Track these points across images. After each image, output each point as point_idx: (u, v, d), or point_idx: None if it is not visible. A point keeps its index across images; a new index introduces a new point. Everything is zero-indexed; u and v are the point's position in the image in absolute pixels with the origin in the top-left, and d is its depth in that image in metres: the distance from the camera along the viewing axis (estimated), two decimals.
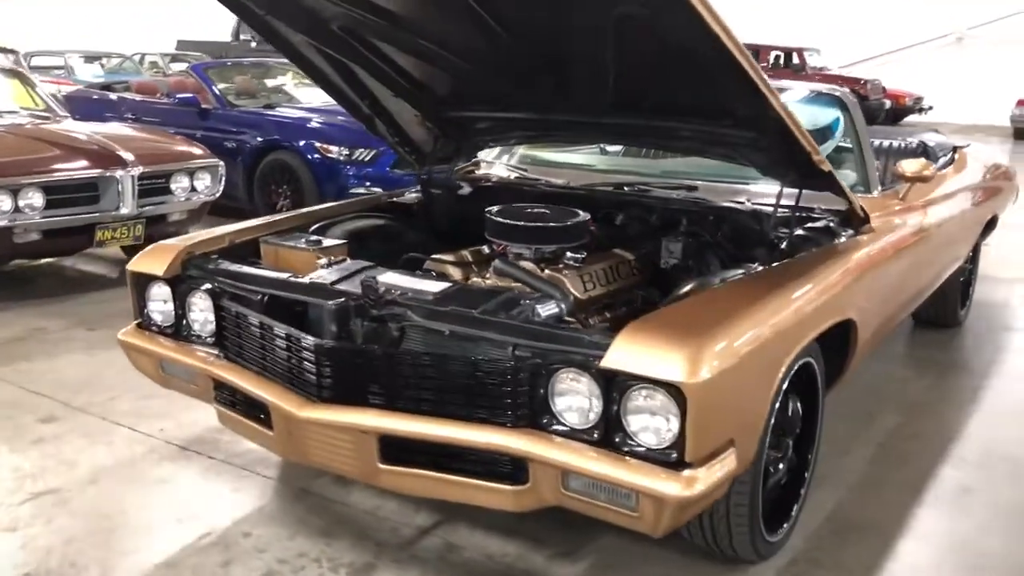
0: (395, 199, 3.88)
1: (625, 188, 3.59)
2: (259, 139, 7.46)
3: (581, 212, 3.13)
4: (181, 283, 2.96)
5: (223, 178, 5.91)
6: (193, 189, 5.71)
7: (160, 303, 3.03)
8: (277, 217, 3.51)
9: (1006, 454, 3.59)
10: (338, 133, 7.29)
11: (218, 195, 5.88)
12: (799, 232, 3.08)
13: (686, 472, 2.09)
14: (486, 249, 3.25)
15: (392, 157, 7.17)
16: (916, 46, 22.67)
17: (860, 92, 17.04)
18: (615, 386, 2.16)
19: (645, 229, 3.37)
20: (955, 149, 4.82)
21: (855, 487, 3.29)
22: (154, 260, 3.02)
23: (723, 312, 2.32)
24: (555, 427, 2.27)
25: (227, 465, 3.36)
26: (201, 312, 2.92)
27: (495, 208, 3.19)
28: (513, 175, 3.95)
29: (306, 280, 2.75)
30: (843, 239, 3.11)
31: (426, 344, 2.49)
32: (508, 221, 3.08)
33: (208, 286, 2.88)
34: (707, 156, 3.31)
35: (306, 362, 2.50)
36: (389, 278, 2.69)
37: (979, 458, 3.56)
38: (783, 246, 3.01)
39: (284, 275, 2.82)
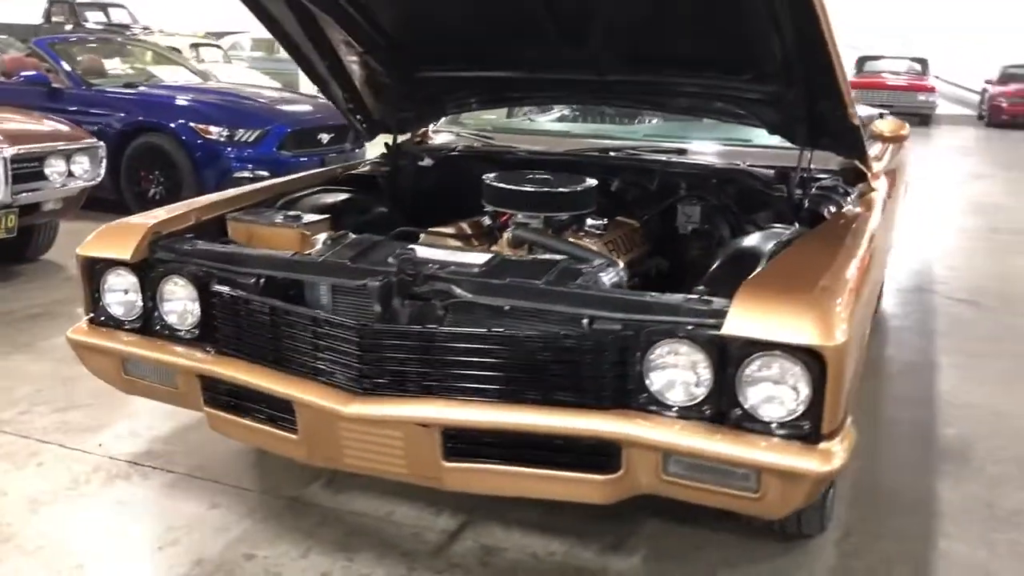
0: (353, 171, 3.50)
1: (611, 153, 3.37)
2: (125, 121, 6.73)
3: (588, 178, 2.90)
4: (150, 269, 2.51)
5: (104, 161, 5.25)
6: (70, 174, 5.04)
7: (120, 293, 2.56)
8: (232, 193, 3.07)
9: (990, 409, 3.63)
10: (216, 112, 6.73)
11: (99, 180, 5.22)
12: (815, 192, 2.96)
13: (822, 445, 1.90)
14: (487, 220, 2.96)
15: (278, 137, 6.70)
16: None
17: None
18: (729, 355, 1.94)
19: (645, 195, 3.16)
20: (881, 115, 4.89)
21: (864, 453, 3.21)
22: (114, 243, 2.54)
23: (819, 274, 2.13)
24: (652, 405, 2.02)
25: (192, 479, 2.91)
26: (179, 301, 2.48)
27: (493, 175, 2.91)
28: (477, 143, 3.65)
29: (319, 258, 2.38)
30: (852, 198, 3.01)
31: (474, 322, 2.18)
32: (515, 187, 2.81)
33: (192, 270, 2.45)
34: (712, 116, 3.16)
35: (344, 350, 2.14)
36: (424, 252, 2.36)
37: (965, 414, 3.58)
38: (807, 206, 2.88)
39: (287, 254, 2.44)
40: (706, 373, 1.97)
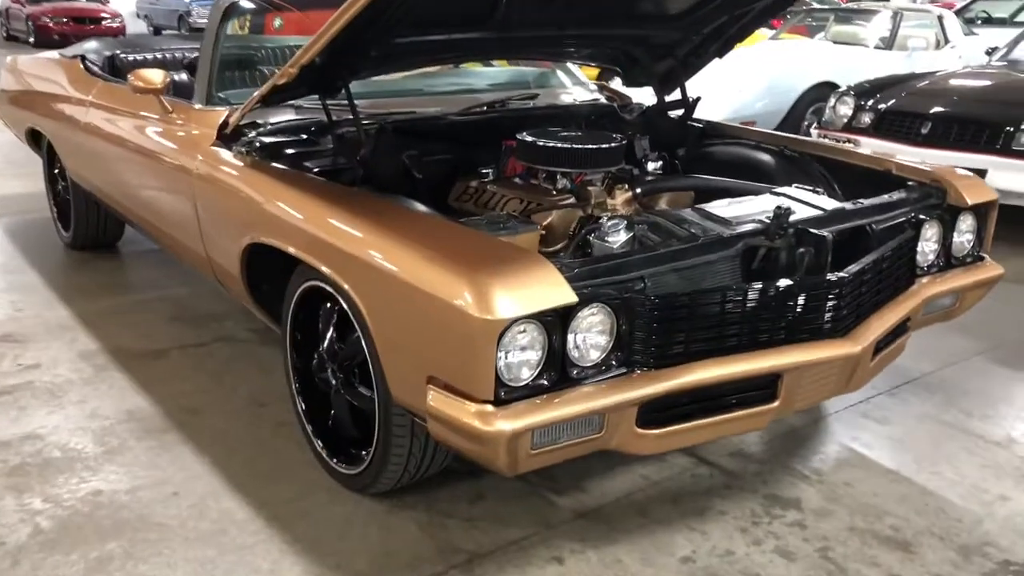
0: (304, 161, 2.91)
1: (497, 106, 3.53)
2: None
3: (610, 133, 3.20)
4: (566, 309, 2.09)
5: None
6: None
7: (520, 351, 2.05)
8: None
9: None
10: None
11: None
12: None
13: None
14: (563, 181, 2.99)
15: None
16: None
17: None
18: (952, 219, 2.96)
19: None
20: None
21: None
22: (539, 290, 2.04)
23: None
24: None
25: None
26: (595, 335, 2.17)
27: (529, 135, 3.03)
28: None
29: (708, 234, 2.45)
30: None
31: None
32: (584, 147, 2.98)
33: (603, 294, 2.16)
34: (593, 62, 3.64)
35: (827, 303, 2.43)
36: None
37: None
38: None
39: (693, 241, 2.43)
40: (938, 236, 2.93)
